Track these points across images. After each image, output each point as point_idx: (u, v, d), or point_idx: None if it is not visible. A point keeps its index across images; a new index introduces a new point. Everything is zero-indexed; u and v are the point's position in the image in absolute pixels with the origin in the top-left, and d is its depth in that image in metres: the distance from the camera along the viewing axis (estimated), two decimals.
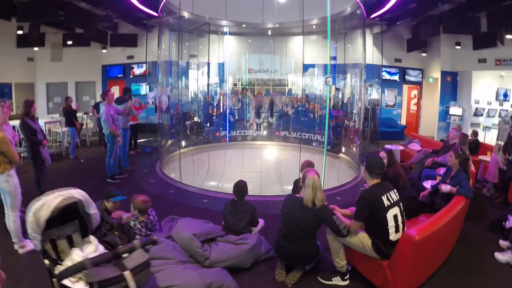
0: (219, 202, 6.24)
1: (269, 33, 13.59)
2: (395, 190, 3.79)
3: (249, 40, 14.70)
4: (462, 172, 5.11)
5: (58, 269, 2.50)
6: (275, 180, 8.66)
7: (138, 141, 11.50)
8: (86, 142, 12.55)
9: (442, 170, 6.93)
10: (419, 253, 3.60)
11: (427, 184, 6.18)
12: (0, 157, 4.35)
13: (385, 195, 3.63)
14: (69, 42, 13.90)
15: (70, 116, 10.43)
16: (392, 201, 3.63)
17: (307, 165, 5.09)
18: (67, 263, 2.60)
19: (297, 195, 3.98)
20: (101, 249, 2.91)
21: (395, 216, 3.60)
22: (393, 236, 3.57)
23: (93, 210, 3.05)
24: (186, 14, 11.00)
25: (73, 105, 11.27)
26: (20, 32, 12.68)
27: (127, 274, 2.45)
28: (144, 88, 15.54)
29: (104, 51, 15.66)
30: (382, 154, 5.48)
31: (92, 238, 2.97)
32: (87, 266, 2.35)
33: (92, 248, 2.84)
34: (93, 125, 13.56)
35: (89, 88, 16.18)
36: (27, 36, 12.33)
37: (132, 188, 7.43)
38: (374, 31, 14.44)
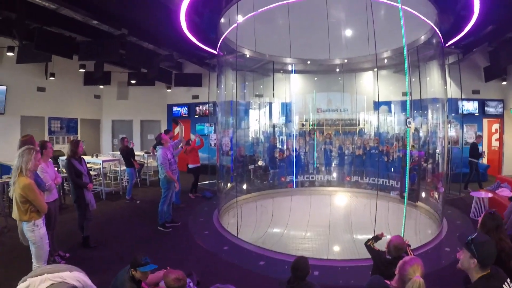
0: (278, 265, 5.57)
1: (337, 69, 12.86)
2: (509, 281, 2.64)
3: (315, 78, 14.07)
4: None
5: None
6: (345, 234, 7.74)
7: (199, 183, 10.99)
8: (146, 182, 12.41)
9: None
10: None
11: None
12: (27, 204, 4.17)
13: None
14: (133, 81, 14.17)
15: (128, 156, 10.32)
16: None
17: (398, 246, 3.88)
18: None
19: (388, 282, 2.99)
20: None
21: None
22: None
23: None
24: (247, 52, 10.73)
25: (130, 144, 11.13)
26: (82, 70, 13.06)
27: None
28: (207, 129, 15.41)
29: (169, 90, 15.94)
30: (484, 217, 4.01)
31: None
32: None
33: None
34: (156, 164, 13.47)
35: (154, 126, 16.37)
36: (93, 74, 12.59)
37: (183, 241, 6.95)
38: (449, 61, 13.38)
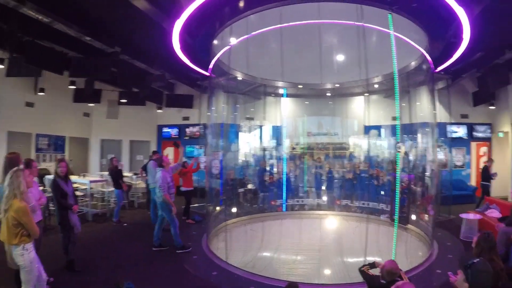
0: None
1: (328, 94, 13.01)
2: None
3: (306, 102, 14.22)
4: None
5: None
6: (336, 258, 7.62)
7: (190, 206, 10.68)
8: (134, 204, 12.23)
9: None
10: None
11: None
12: (18, 228, 4.09)
13: None
14: (123, 100, 14.06)
15: (116, 177, 10.13)
16: None
17: (391, 271, 3.92)
18: None
19: None
20: None
21: None
22: None
23: None
24: (239, 75, 10.77)
25: (119, 165, 10.91)
26: (72, 87, 12.93)
27: None
28: (197, 151, 15.34)
29: (160, 111, 15.86)
30: (479, 238, 4.29)
31: None
32: None
33: None
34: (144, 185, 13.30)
35: (143, 147, 16.25)
36: (84, 91, 12.49)
37: (171, 266, 6.82)
38: (438, 86, 13.58)
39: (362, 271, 4.26)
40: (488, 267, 2.92)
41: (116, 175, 10.17)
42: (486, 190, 12.06)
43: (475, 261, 2.82)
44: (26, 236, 4.14)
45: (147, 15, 7.70)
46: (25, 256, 4.15)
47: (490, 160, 12.86)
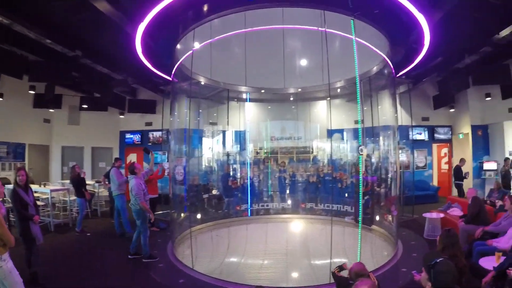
0: None
1: (291, 98, 13.11)
2: None
3: (269, 107, 14.28)
4: None
5: None
6: (303, 261, 7.63)
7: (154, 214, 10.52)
8: (97, 213, 11.92)
9: (496, 242, 6.00)
10: None
11: (485, 263, 5.08)
12: None
13: None
14: (85, 106, 13.68)
15: (78, 186, 9.79)
16: None
17: (359, 272, 3.94)
18: None
19: None
20: None
21: None
22: None
23: None
24: (202, 80, 10.65)
25: (82, 173, 10.41)
26: (32, 92, 12.45)
27: None
28: (160, 157, 15.05)
29: (122, 116, 15.54)
30: (442, 235, 4.41)
31: None
32: None
33: None
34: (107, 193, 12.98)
35: (105, 154, 15.84)
36: (44, 96, 12.04)
37: (137, 275, 6.68)
38: (400, 90, 13.91)
39: (333, 273, 4.36)
40: (450, 266, 2.93)
41: (78, 183, 9.83)
42: (460, 189, 12.63)
43: (437, 260, 2.84)
44: (1, 246, 3.98)
45: (109, 18, 7.50)
46: (3, 266, 3.98)
47: (462, 160, 13.37)
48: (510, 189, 11.90)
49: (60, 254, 7.76)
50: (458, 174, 13.08)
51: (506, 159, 12.49)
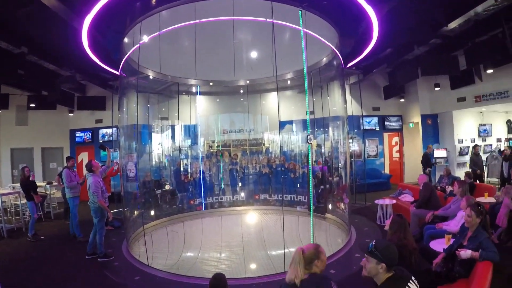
0: None
1: (241, 91, 13.11)
2: (413, 278, 2.77)
3: (217, 100, 14.27)
4: (482, 232, 4.26)
5: None
6: (259, 251, 7.69)
7: None
8: (50, 215, 11.48)
9: (445, 225, 6.23)
10: None
11: (435, 245, 5.23)
12: None
13: None
14: (32, 105, 13.10)
15: (28, 189, 9.23)
16: None
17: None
18: None
19: None
20: None
21: None
22: None
23: None
24: (151, 73, 10.46)
25: (31, 176, 9.81)
26: None
27: None
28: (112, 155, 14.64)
29: (71, 114, 15.00)
30: (393, 219, 4.49)
31: None
32: None
33: None
34: (61, 195, 12.53)
35: (56, 154, 15.28)
36: None
37: (92, 275, 6.46)
38: (350, 81, 14.20)
39: None
40: (388, 242, 2.98)
41: (27, 186, 9.29)
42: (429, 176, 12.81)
43: (373, 242, 2.83)
44: None
45: (55, 13, 7.18)
46: None
47: (429, 147, 13.79)
48: (483, 173, 12.57)
49: (14, 260, 7.40)
50: (427, 161, 13.45)
51: (475, 146, 13.05)
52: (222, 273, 3.65)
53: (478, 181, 11.43)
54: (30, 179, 9.53)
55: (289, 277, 2.91)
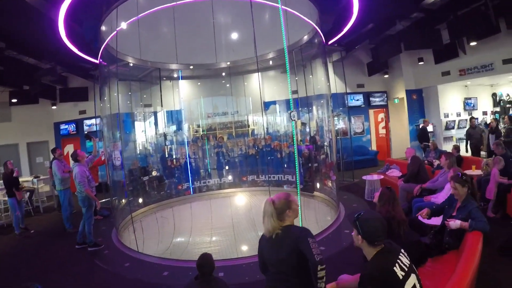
0: (183, 273, 5.41)
1: (223, 73, 12.98)
2: (403, 251, 2.71)
3: (198, 83, 14.14)
4: (471, 201, 4.26)
5: None
6: (249, 233, 7.72)
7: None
8: (39, 209, 11.38)
9: (433, 197, 6.29)
10: None
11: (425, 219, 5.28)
12: None
13: (396, 264, 2.55)
14: (14, 100, 12.91)
15: (9, 185, 8.82)
16: (406, 268, 2.56)
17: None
18: None
19: None
20: None
21: None
22: None
23: None
24: (131, 60, 10.35)
25: (15, 172, 9.35)
26: None
27: None
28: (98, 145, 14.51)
29: (54, 107, 14.82)
30: (381, 192, 4.43)
31: None
32: None
33: None
34: (49, 189, 12.38)
35: (42, 148, 15.12)
36: None
37: (82, 264, 6.49)
38: (333, 59, 14.16)
39: None
40: (375, 214, 2.88)
41: (9, 181, 8.89)
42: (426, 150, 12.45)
43: (361, 213, 2.78)
44: None
45: (30, 5, 7.10)
46: None
47: (425, 121, 13.55)
48: (482, 146, 12.35)
49: (4, 255, 7.39)
50: (424, 135, 13.24)
51: (471, 118, 12.76)
52: (208, 253, 3.62)
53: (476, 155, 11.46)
54: (14, 175, 9.14)
55: (265, 230, 2.97)
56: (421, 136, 13.36)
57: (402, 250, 2.71)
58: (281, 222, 2.93)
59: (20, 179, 9.93)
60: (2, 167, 12.38)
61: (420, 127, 13.64)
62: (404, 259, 2.63)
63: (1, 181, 11.99)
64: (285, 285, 2.87)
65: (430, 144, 11.18)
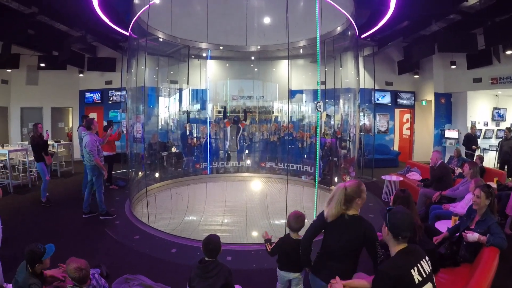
0: (191, 252, 5.40)
1: (252, 57, 12.80)
2: (427, 258, 2.61)
3: (227, 64, 14.02)
4: (490, 216, 4.12)
5: None
6: (261, 220, 7.70)
7: (112, 172, 10.18)
8: (57, 173, 11.57)
9: (452, 206, 6.06)
10: None
11: (441, 226, 5.15)
12: None
13: (415, 268, 2.44)
14: (42, 65, 13.14)
15: (38, 148, 8.30)
16: (424, 275, 2.46)
17: (298, 215, 3.87)
18: None
19: None
20: None
21: None
22: None
23: None
24: (161, 35, 10.30)
25: (45, 135, 8.93)
26: None
27: None
28: (120, 116, 14.71)
29: (81, 75, 14.98)
30: (396, 194, 4.29)
31: None
32: None
33: None
34: (68, 153, 12.56)
35: (65, 114, 15.36)
36: (1, 56, 11.38)
37: (93, 232, 6.53)
38: (364, 53, 13.90)
39: (269, 251, 3.99)
40: (406, 210, 2.79)
41: (40, 145, 8.36)
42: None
43: (392, 207, 2.79)
44: None
45: None
46: None
47: (473, 127, 12.95)
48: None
49: (18, 215, 7.47)
50: (469, 143, 12.42)
51: (509, 129, 11.55)
52: (216, 234, 3.55)
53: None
54: (44, 139, 8.64)
55: (328, 213, 3.03)
56: (465, 143, 12.55)
57: (427, 257, 2.62)
58: (345, 208, 3.02)
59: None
60: (28, 129, 12.72)
61: (466, 134, 12.83)
62: (426, 266, 2.54)
63: (22, 143, 12.29)
64: (344, 264, 3.05)
65: (454, 151, 10.84)
